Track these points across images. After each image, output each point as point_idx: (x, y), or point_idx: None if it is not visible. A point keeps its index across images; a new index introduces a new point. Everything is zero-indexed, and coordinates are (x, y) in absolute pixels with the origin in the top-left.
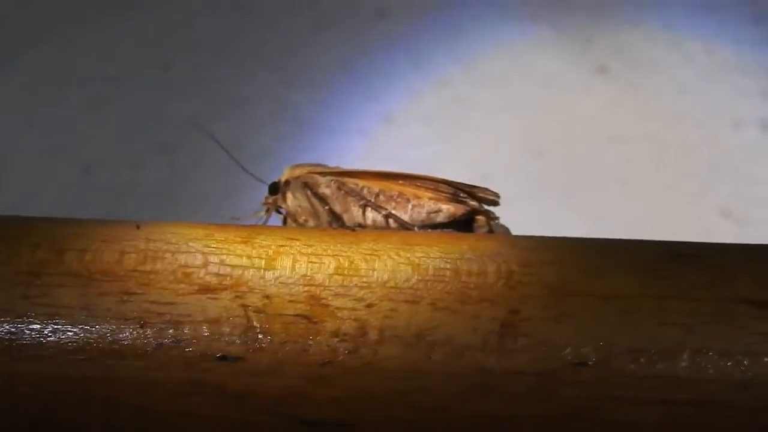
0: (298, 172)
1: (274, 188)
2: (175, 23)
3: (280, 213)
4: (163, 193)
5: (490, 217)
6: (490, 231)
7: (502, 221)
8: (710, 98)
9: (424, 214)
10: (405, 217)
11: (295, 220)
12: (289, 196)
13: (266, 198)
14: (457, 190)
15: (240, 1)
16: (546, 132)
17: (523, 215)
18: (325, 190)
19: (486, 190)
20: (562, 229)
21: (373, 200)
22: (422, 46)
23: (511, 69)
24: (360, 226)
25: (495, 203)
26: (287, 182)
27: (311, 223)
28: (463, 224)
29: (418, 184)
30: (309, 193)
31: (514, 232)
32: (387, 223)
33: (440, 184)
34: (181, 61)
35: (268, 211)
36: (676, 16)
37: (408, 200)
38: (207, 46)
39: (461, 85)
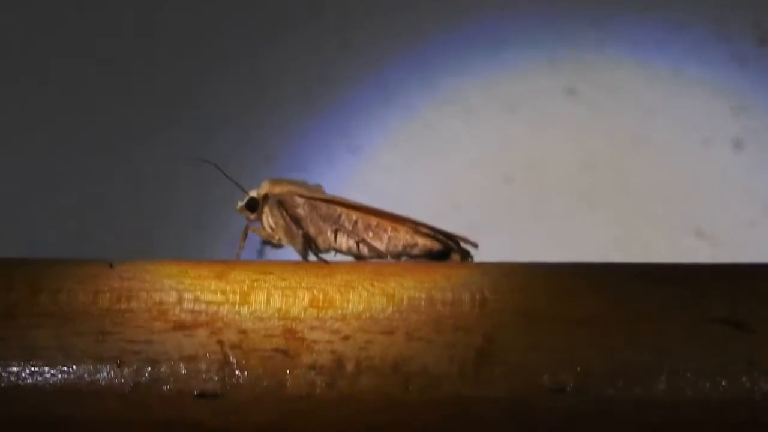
0: (277, 190)
1: (252, 203)
2: (136, 64)
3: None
4: (131, 231)
5: (466, 256)
6: None
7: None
8: (679, 118)
9: (400, 247)
10: (381, 247)
11: (269, 238)
12: (266, 211)
13: (241, 208)
14: (436, 233)
15: (202, 38)
16: (514, 157)
17: (494, 241)
18: (300, 212)
19: (465, 239)
20: (533, 254)
21: (350, 227)
22: (388, 75)
23: (479, 95)
24: (333, 250)
25: (473, 247)
26: (265, 197)
27: (285, 240)
28: (437, 258)
29: (398, 221)
30: (284, 212)
31: (485, 258)
32: (359, 248)
33: (420, 226)
34: (148, 97)
35: (244, 235)
36: (643, 36)
37: (385, 230)
38: (171, 82)
39: (428, 112)
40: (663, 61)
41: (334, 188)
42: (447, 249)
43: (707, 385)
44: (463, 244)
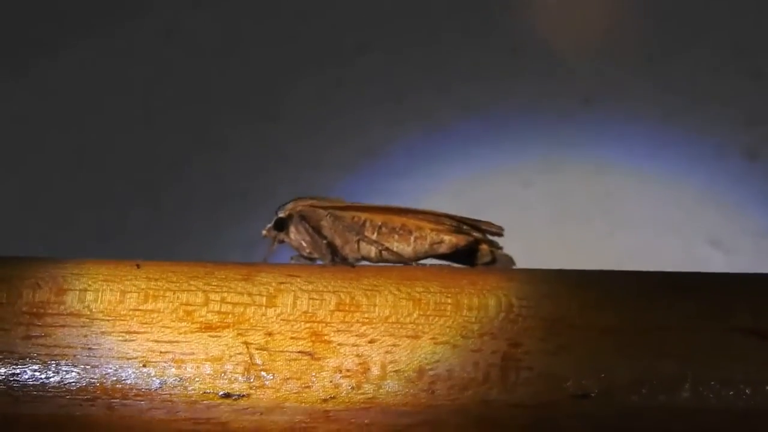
0: (300, 205)
1: (280, 223)
2: (155, 62)
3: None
4: (146, 233)
5: (494, 246)
6: (494, 260)
7: None
8: (693, 126)
9: (427, 246)
10: (408, 249)
11: (300, 254)
12: (293, 229)
13: (268, 230)
14: (459, 223)
15: (219, 38)
16: (532, 162)
17: (511, 245)
18: (323, 223)
19: (489, 223)
20: (549, 259)
21: (376, 233)
22: (403, 78)
23: (494, 98)
24: (363, 258)
25: (499, 235)
26: (290, 215)
27: (315, 255)
28: (466, 254)
29: (420, 217)
30: (307, 226)
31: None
32: (381, 256)
33: (442, 218)
34: (162, 100)
35: (271, 244)
36: (657, 46)
37: (410, 232)
38: (186, 84)
39: (444, 116)
40: (679, 71)
41: (347, 191)
42: (475, 242)
43: (731, 393)
44: (492, 236)
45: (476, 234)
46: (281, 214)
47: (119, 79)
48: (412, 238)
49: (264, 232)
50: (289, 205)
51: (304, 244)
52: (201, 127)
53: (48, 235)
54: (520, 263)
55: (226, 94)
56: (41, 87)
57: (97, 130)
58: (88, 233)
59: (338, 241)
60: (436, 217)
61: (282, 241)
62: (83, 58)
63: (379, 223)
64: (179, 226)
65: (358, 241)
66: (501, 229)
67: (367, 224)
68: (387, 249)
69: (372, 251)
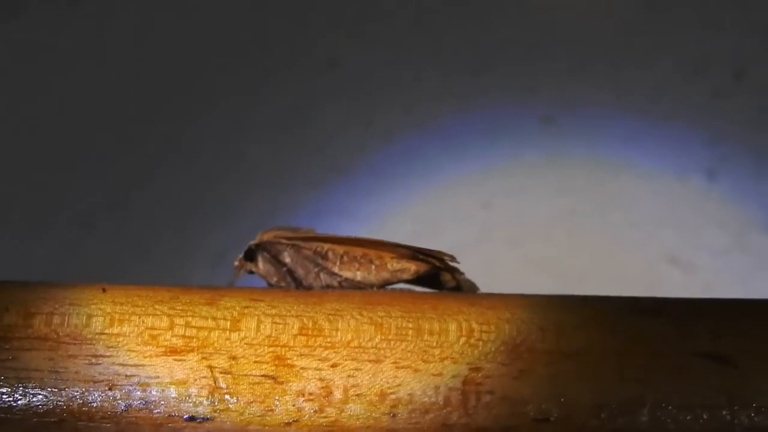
0: (266, 237)
1: (249, 253)
2: (124, 72)
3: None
4: (110, 250)
5: (456, 272)
6: (458, 286)
7: None
8: (654, 146)
9: (388, 274)
10: (370, 278)
11: (268, 283)
12: (260, 259)
13: (240, 261)
14: (415, 252)
15: (190, 51)
16: (492, 182)
17: (471, 265)
18: (285, 254)
19: (441, 252)
20: (509, 279)
21: (338, 261)
22: (371, 97)
23: (456, 118)
24: (326, 287)
25: (454, 262)
26: (257, 246)
27: (282, 284)
28: (430, 280)
29: (378, 246)
30: (268, 256)
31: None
32: (342, 286)
33: (398, 248)
34: (133, 112)
35: (237, 272)
36: (621, 65)
37: (371, 260)
38: (157, 96)
39: (409, 136)
40: (641, 91)
41: (313, 210)
42: (436, 269)
43: (688, 418)
44: (449, 262)
45: (434, 261)
46: (250, 244)
47: (87, 85)
48: (373, 267)
49: (236, 262)
50: (257, 237)
51: (271, 273)
52: (169, 140)
53: (14, 247)
54: (480, 283)
55: (195, 108)
56: (6, 92)
57: (63, 138)
58: (55, 243)
59: (300, 271)
60: (393, 247)
61: (251, 271)
62: (49, 60)
63: (342, 252)
64: (143, 246)
65: (318, 272)
66: (453, 258)
67: (330, 254)
68: (347, 279)
69: (333, 282)
